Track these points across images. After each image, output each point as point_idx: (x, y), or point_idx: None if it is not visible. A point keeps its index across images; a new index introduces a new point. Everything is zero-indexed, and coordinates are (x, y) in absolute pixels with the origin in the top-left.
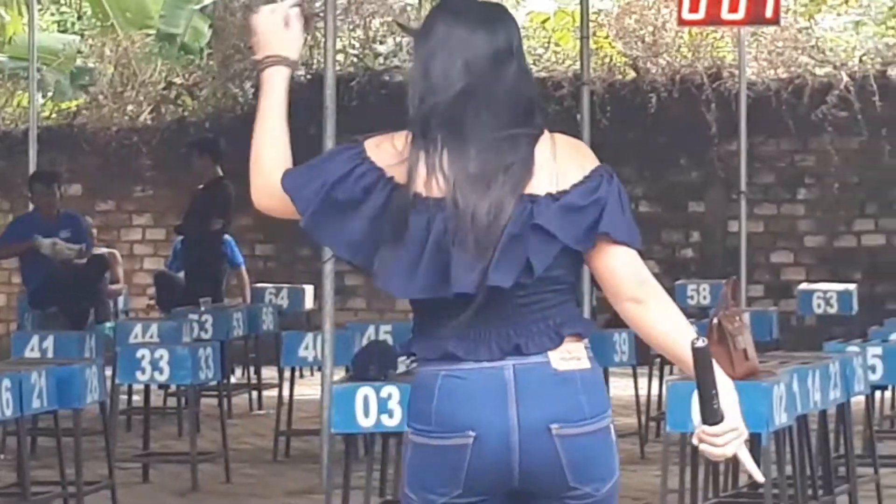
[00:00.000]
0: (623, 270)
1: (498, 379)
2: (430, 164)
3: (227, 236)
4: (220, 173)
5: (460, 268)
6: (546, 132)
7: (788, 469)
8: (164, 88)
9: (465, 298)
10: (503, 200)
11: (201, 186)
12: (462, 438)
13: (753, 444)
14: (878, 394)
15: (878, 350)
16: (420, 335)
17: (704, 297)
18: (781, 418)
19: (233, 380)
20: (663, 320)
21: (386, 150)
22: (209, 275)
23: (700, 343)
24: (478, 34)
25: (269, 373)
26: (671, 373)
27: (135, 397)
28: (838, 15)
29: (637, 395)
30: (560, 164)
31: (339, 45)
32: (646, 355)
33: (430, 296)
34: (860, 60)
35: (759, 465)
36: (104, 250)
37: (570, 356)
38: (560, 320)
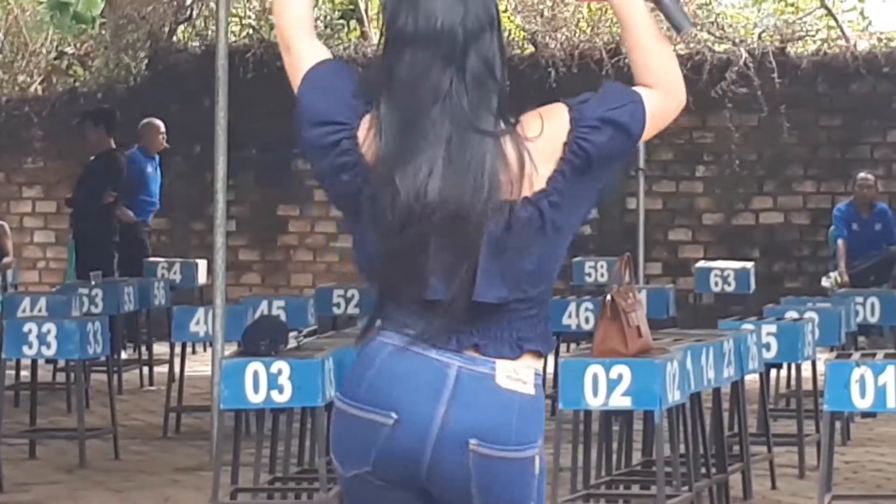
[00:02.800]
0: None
1: (441, 376)
2: (389, 143)
3: None
4: (113, 145)
5: (435, 271)
6: (517, 125)
7: (682, 448)
8: (55, 58)
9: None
10: (482, 204)
11: (93, 158)
12: (381, 417)
13: (647, 421)
14: (773, 372)
15: (773, 328)
16: (384, 316)
17: (602, 275)
18: (675, 396)
19: (124, 356)
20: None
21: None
22: (101, 248)
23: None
24: None
25: (161, 349)
26: (567, 351)
27: (24, 373)
28: None
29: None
30: (535, 158)
31: (234, 16)
32: None
33: (401, 292)
34: (759, 37)
35: (651, 444)
36: None
37: (517, 377)
38: (524, 334)
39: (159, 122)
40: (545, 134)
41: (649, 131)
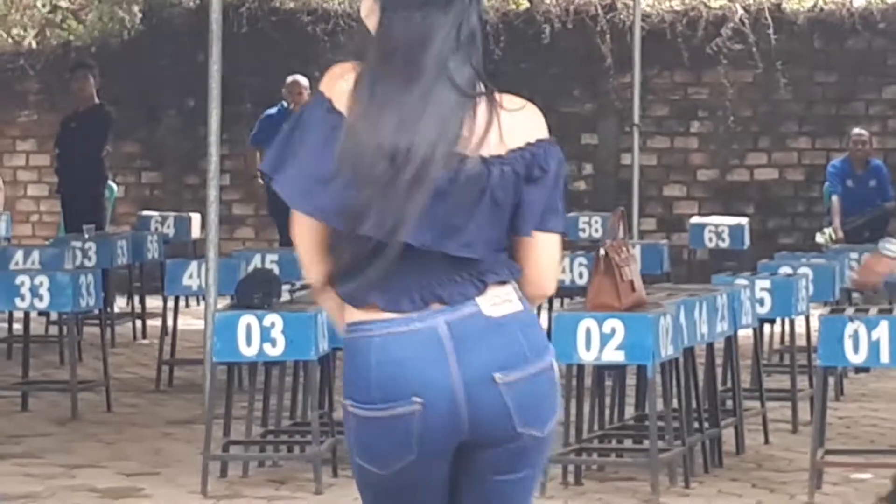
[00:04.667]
0: (545, 264)
1: (433, 338)
2: (370, 95)
3: None
4: (97, 99)
5: (375, 210)
6: (494, 92)
7: (675, 403)
8: (49, 12)
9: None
10: (434, 151)
11: (83, 110)
12: (408, 406)
13: (640, 376)
14: (766, 328)
15: (767, 283)
16: (341, 275)
17: (596, 230)
18: (668, 350)
19: (117, 309)
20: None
21: (333, 79)
22: (93, 200)
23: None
24: None
25: (154, 302)
26: (561, 306)
27: (17, 326)
28: None
29: None
30: (503, 126)
31: None
32: None
33: (337, 224)
34: None
35: (644, 398)
36: None
37: (501, 300)
38: (483, 268)
39: (303, 80)
40: (521, 116)
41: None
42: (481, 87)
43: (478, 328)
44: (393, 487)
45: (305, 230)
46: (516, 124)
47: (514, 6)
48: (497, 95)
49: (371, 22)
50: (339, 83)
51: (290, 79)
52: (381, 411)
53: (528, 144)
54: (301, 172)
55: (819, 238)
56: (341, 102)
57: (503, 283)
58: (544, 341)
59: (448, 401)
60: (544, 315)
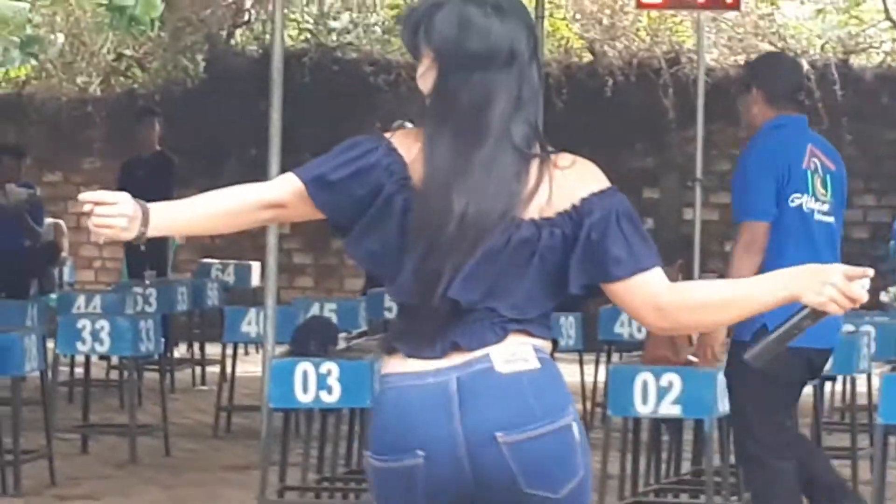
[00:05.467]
0: (638, 302)
1: (443, 394)
2: (435, 160)
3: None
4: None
5: (444, 276)
6: (549, 152)
7: (732, 458)
8: (114, 60)
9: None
10: (494, 215)
11: (145, 156)
12: (412, 459)
13: (697, 430)
14: (828, 386)
15: None
16: (393, 329)
17: None
18: (725, 405)
19: (177, 355)
20: (699, 296)
21: (405, 138)
22: (157, 246)
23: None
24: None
25: (213, 349)
26: (620, 358)
27: (78, 370)
28: (801, 3)
29: (583, 381)
30: (554, 187)
31: (291, 19)
32: (593, 341)
33: (408, 301)
34: (822, 49)
35: (701, 453)
36: (50, 221)
37: (516, 357)
38: (508, 323)
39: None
40: (572, 173)
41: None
42: (537, 148)
43: (487, 385)
44: None
45: (285, 186)
46: (566, 183)
47: (576, 59)
48: (552, 155)
49: (426, 82)
50: (413, 151)
51: (396, 124)
52: (391, 462)
53: (574, 206)
54: (380, 248)
55: (884, 297)
56: (415, 173)
57: (526, 333)
58: (562, 401)
59: (450, 456)
60: (602, 368)
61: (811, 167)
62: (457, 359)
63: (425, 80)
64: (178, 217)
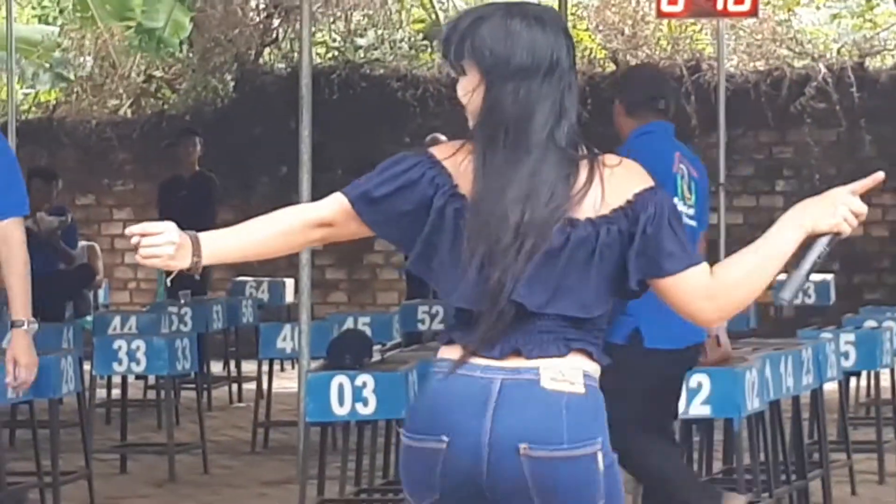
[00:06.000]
0: (689, 296)
1: (484, 390)
2: (486, 173)
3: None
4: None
5: (497, 283)
6: (595, 153)
7: (762, 457)
8: (144, 81)
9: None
10: (549, 219)
11: (187, 177)
12: (435, 442)
13: (727, 430)
14: (853, 381)
15: (851, 336)
16: (449, 326)
17: None
18: (754, 404)
19: (213, 373)
20: (738, 270)
21: (446, 151)
22: (204, 270)
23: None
24: (534, 31)
25: (249, 367)
26: None
27: (115, 391)
28: (817, 8)
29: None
30: (605, 185)
31: (319, 39)
32: None
33: (471, 307)
34: (838, 52)
35: (731, 451)
36: (84, 244)
37: (563, 378)
38: (572, 336)
39: (443, 137)
40: (621, 170)
41: (644, 283)
42: (584, 149)
43: (527, 396)
44: None
45: (336, 207)
46: (617, 181)
47: (600, 69)
48: (599, 156)
49: (475, 100)
50: (458, 163)
51: (429, 137)
52: (417, 441)
53: (628, 202)
54: (439, 260)
55: None
56: (462, 183)
57: (585, 354)
58: (593, 431)
59: (471, 451)
60: None
61: (680, 172)
62: (511, 363)
63: (471, 94)
64: (230, 244)
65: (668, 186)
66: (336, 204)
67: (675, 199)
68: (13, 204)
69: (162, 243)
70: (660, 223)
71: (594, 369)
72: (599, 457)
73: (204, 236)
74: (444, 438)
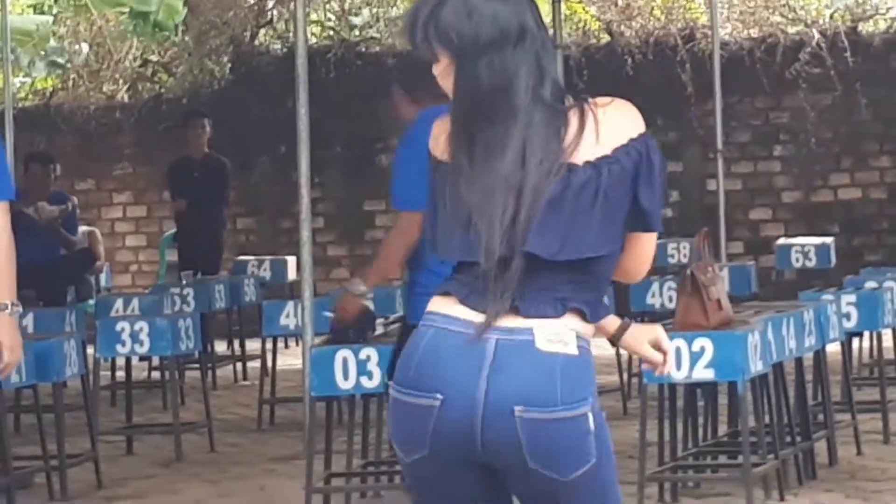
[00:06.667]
0: (648, 256)
1: (480, 351)
2: (473, 142)
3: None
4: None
5: (489, 236)
6: (584, 100)
7: (767, 418)
8: (140, 66)
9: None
10: (544, 170)
11: (197, 158)
12: (429, 400)
13: (731, 394)
14: (855, 342)
15: (853, 298)
16: (447, 279)
17: (684, 256)
18: (757, 366)
19: (217, 352)
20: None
21: (436, 137)
22: (218, 247)
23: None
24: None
25: (253, 345)
26: None
27: (119, 373)
28: None
29: (618, 353)
30: (600, 125)
31: (314, 18)
32: (625, 312)
33: (460, 259)
34: (831, 17)
35: (736, 414)
36: (85, 228)
37: (558, 339)
38: (569, 295)
39: None
40: (614, 111)
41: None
42: (570, 100)
43: (522, 357)
44: (417, 479)
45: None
46: (612, 120)
47: (594, 40)
48: (589, 100)
49: (447, 80)
50: (441, 138)
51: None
52: (408, 397)
53: (631, 140)
54: (440, 226)
55: None
56: (444, 152)
57: (581, 315)
58: (585, 391)
59: (466, 410)
60: None
61: None
62: (507, 322)
63: (444, 78)
64: None
65: None
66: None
67: None
68: (1, 188)
69: None
70: (662, 174)
71: (586, 330)
72: (590, 417)
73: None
74: (439, 396)
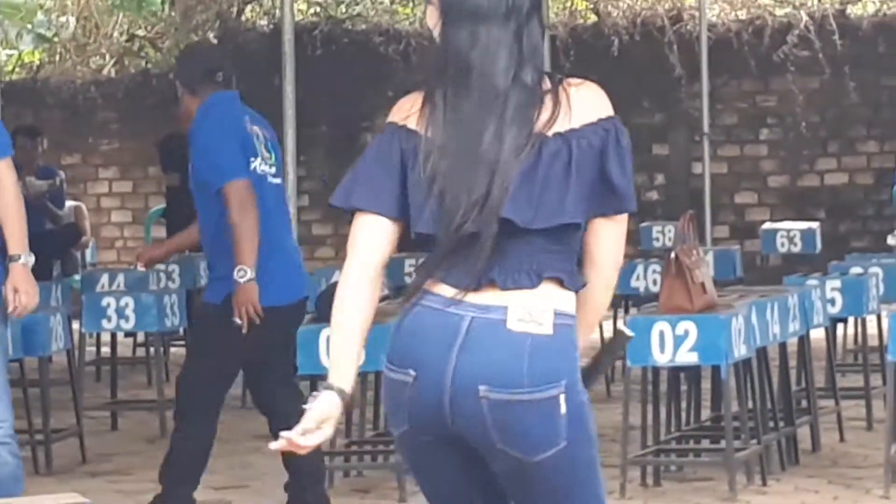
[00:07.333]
0: (620, 242)
1: (454, 328)
2: (449, 113)
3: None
4: None
5: (462, 210)
6: (559, 81)
7: (750, 403)
8: (127, 41)
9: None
10: (515, 142)
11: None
12: (404, 375)
13: (714, 378)
14: (840, 328)
15: (837, 283)
16: (425, 260)
17: (669, 239)
18: (741, 350)
19: None
20: (607, 298)
21: (403, 108)
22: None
23: (630, 333)
24: None
25: None
26: (638, 312)
27: (105, 348)
28: None
29: (602, 337)
30: (572, 103)
31: None
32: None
33: (432, 231)
34: (819, 0)
35: (719, 399)
36: (71, 203)
37: (531, 318)
38: (545, 265)
39: None
40: (586, 91)
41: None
42: (546, 83)
43: (492, 337)
44: (405, 452)
45: (375, 230)
46: (583, 100)
47: (581, 20)
48: (563, 81)
49: (434, 29)
50: (411, 110)
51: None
52: (390, 372)
53: (600, 119)
54: (388, 193)
55: (890, 240)
56: (418, 124)
57: (558, 283)
58: (557, 372)
59: (435, 388)
60: (619, 322)
61: (254, 133)
62: (485, 297)
63: (434, 28)
64: (354, 362)
65: (248, 147)
66: (377, 229)
67: (257, 160)
68: (1, 146)
69: (328, 434)
70: (629, 155)
71: (566, 301)
72: (562, 399)
73: (347, 382)
74: (412, 373)
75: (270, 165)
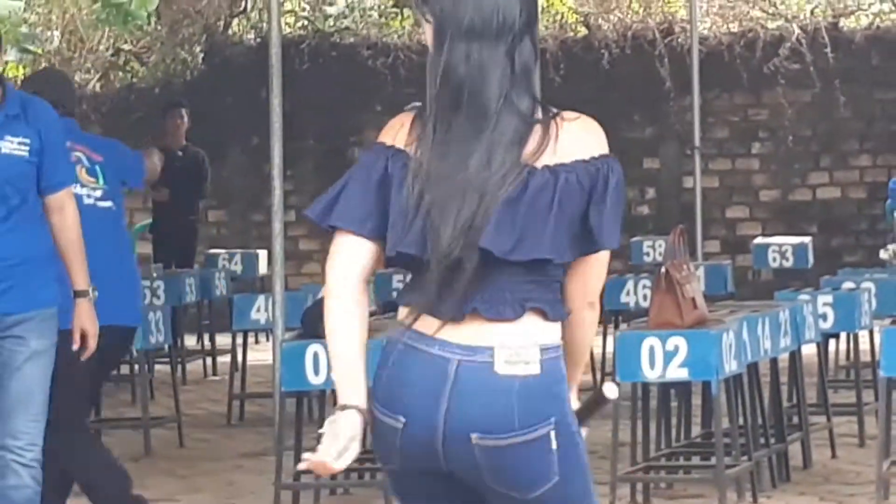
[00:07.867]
0: (595, 279)
1: (441, 373)
2: (439, 133)
3: None
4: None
5: (445, 235)
6: (553, 114)
7: (741, 419)
8: (112, 55)
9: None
10: (503, 171)
11: (177, 150)
12: (393, 420)
13: (705, 394)
14: (832, 344)
15: (829, 298)
16: (406, 286)
17: (660, 254)
18: (731, 366)
19: (187, 346)
20: (587, 335)
21: (393, 127)
22: (193, 239)
23: (611, 395)
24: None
25: (224, 340)
26: (628, 327)
27: None
28: None
29: (591, 352)
30: (563, 137)
31: (288, 8)
32: (601, 312)
33: (415, 253)
34: (811, 13)
35: (710, 415)
36: None
37: (518, 359)
38: (527, 296)
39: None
40: (579, 127)
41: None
42: (539, 113)
43: (479, 382)
44: (395, 485)
45: (355, 253)
46: (575, 135)
47: (572, 34)
48: (558, 114)
49: (429, 44)
50: (401, 130)
51: (408, 107)
52: (379, 413)
53: (593, 158)
54: (392, 216)
55: (883, 254)
56: (407, 144)
57: (541, 314)
58: (547, 410)
59: (426, 435)
60: (610, 338)
61: (75, 160)
62: (469, 333)
63: (428, 41)
64: (363, 381)
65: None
66: (354, 246)
67: (78, 186)
68: (66, 174)
69: (356, 453)
70: (619, 194)
71: (550, 333)
72: (552, 436)
73: (361, 399)
74: (401, 419)
75: (95, 189)
